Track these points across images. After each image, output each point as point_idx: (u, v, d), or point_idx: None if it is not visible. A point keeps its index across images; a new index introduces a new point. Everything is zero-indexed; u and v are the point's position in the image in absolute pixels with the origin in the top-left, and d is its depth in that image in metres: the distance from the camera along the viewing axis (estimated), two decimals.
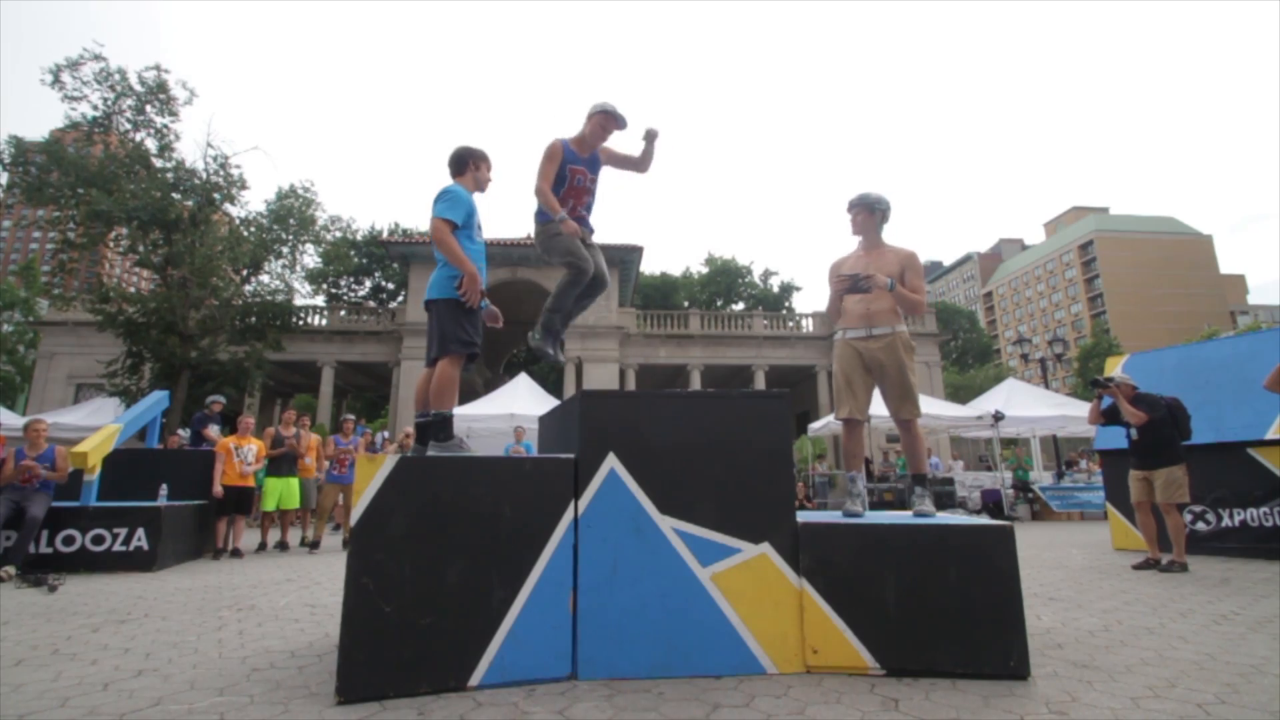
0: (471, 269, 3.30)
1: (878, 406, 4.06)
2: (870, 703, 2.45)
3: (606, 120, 3.85)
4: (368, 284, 36.61)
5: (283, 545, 8.45)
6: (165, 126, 17.77)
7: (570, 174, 3.85)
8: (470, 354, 3.39)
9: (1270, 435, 6.61)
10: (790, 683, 2.69)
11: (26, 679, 2.82)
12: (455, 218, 3.34)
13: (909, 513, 3.65)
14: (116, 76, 16.93)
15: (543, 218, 3.81)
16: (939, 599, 2.84)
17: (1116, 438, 8.00)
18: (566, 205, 3.85)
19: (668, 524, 2.92)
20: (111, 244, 18.25)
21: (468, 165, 3.61)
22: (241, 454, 7.97)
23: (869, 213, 3.88)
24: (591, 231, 4.06)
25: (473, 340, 3.37)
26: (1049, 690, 2.55)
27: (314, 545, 8.51)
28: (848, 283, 3.73)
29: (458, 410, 3.54)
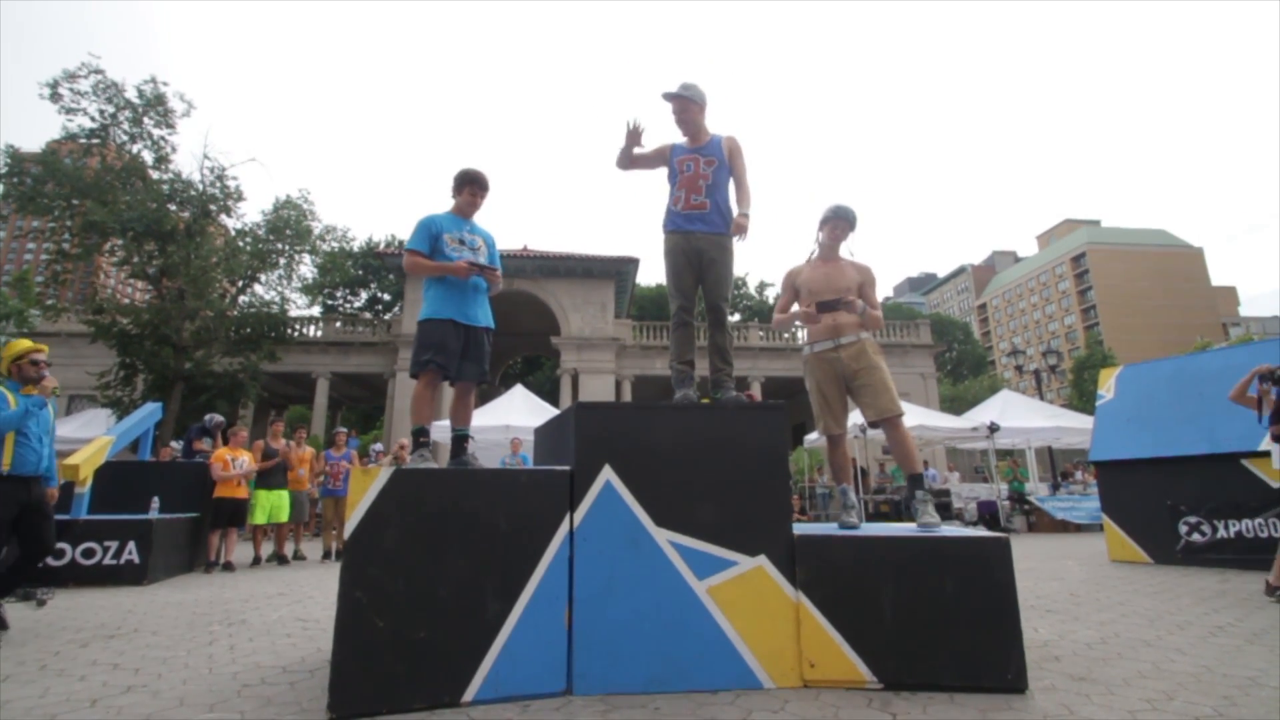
0: (450, 266, 3.48)
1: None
2: (867, 717, 2.43)
3: (670, 102, 3.73)
4: (364, 295, 36.59)
5: (280, 558, 8.38)
6: (162, 139, 17.80)
7: (678, 165, 3.75)
8: (424, 372, 3.47)
9: (1264, 446, 6.62)
10: (787, 697, 2.67)
11: (13, 695, 2.78)
12: (419, 247, 3.53)
13: (909, 524, 3.59)
14: (114, 89, 16.97)
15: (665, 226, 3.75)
16: (936, 612, 2.83)
17: (1112, 448, 8.02)
18: (678, 197, 3.71)
19: (664, 536, 2.90)
20: (106, 255, 18.20)
21: (454, 191, 3.78)
22: (236, 465, 7.93)
23: (849, 226, 3.87)
24: (711, 228, 3.64)
25: (418, 359, 3.46)
26: (1047, 704, 2.54)
27: (326, 555, 8.79)
28: (829, 307, 3.68)
29: (445, 423, 3.58)
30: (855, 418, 9.85)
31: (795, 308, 3.96)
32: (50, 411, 4.44)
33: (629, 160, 3.84)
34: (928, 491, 3.58)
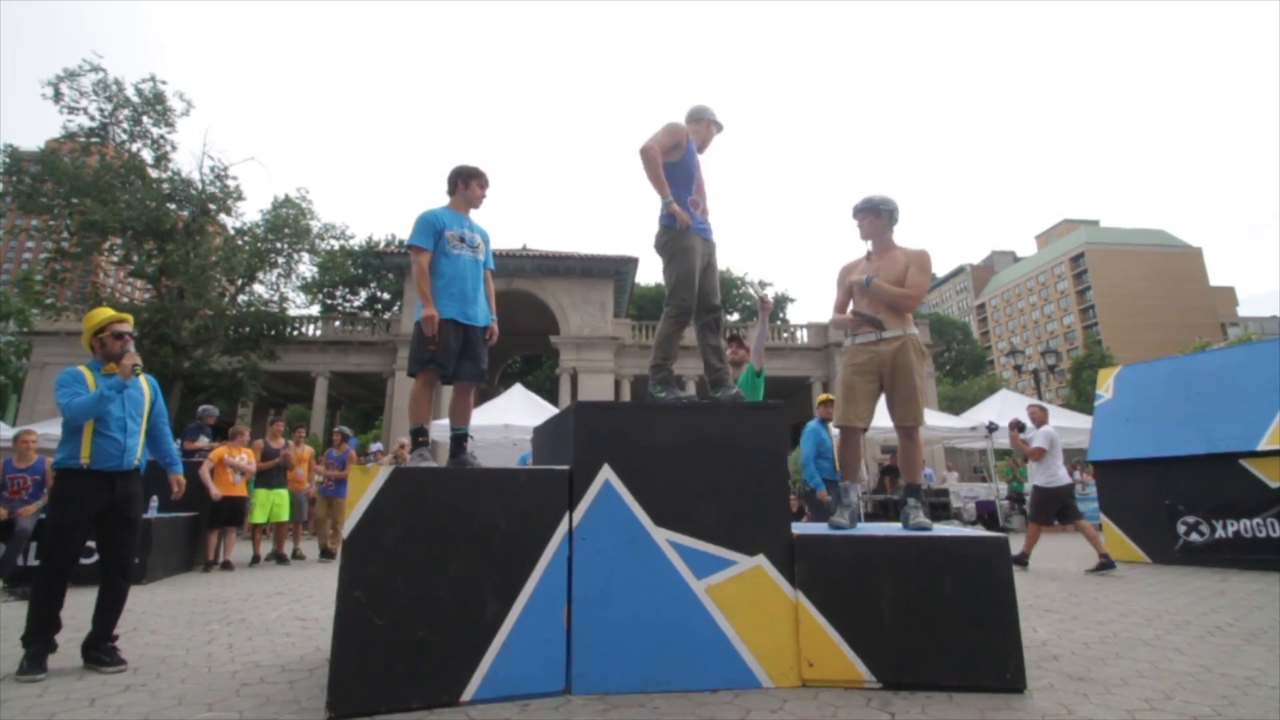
0: (428, 311, 3.37)
1: (881, 416, 3.97)
2: (866, 716, 2.43)
3: (716, 131, 3.86)
4: (363, 294, 36.56)
5: (279, 557, 8.36)
6: (162, 137, 17.78)
7: (694, 168, 3.72)
8: (422, 371, 3.45)
9: (1262, 446, 6.64)
10: (786, 696, 2.68)
11: (11, 695, 2.78)
12: (422, 243, 3.48)
13: (899, 525, 3.58)
14: (114, 88, 16.95)
15: (670, 220, 3.59)
16: (935, 611, 2.83)
17: (1111, 448, 8.04)
18: (695, 201, 3.67)
19: (662, 536, 2.90)
20: (105, 254, 18.19)
21: (457, 185, 3.73)
22: (233, 461, 7.90)
23: (875, 216, 3.79)
24: (711, 236, 3.78)
25: (422, 359, 3.42)
26: (1045, 703, 2.54)
27: (324, 554, 8.67)
28: (866, 320, 3.66)
29: (444, 422, 3.56)
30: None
31: (850, 306, 3.87)
32: (145, 391, 3.70)
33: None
34: (921, 500, 3.56)
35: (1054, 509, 7.01)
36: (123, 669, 3.26)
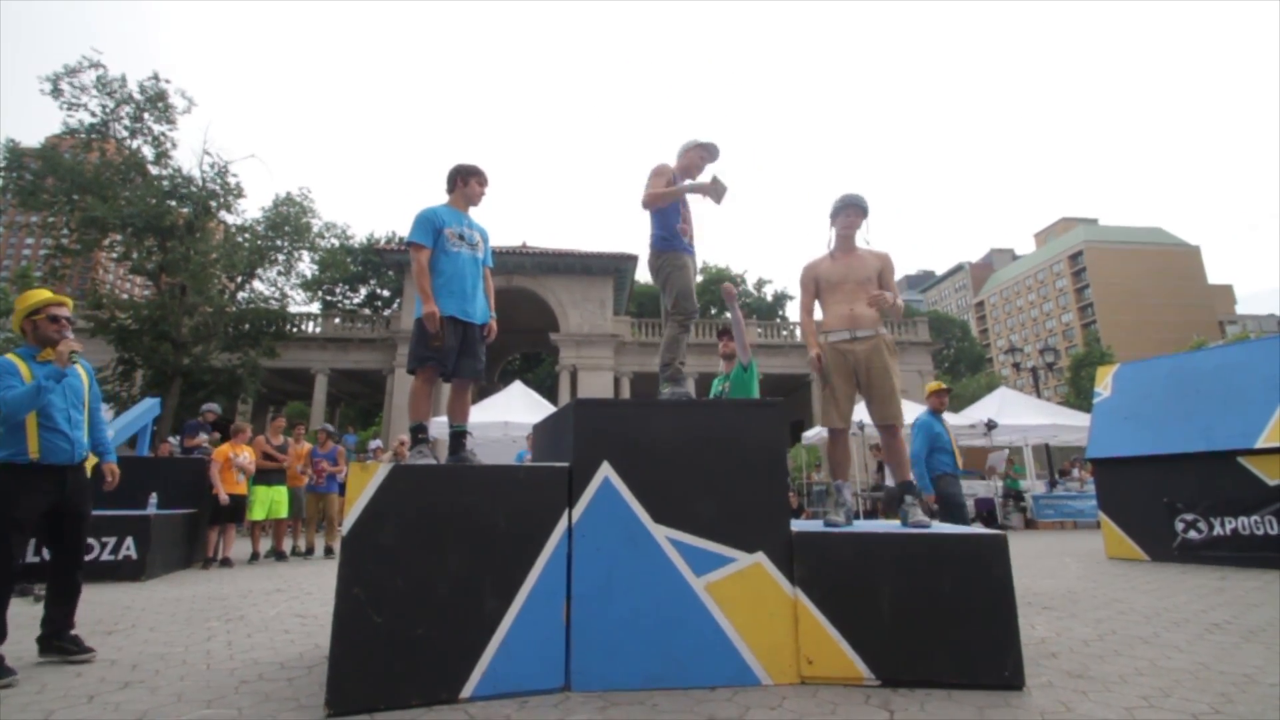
0: (430, 308, 3.36)
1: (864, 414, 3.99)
2: (865, 714, 2.43)
3: (704, 154, 4.00)
4: (363, 291, 36.50)
5: (279, 555, 8.35)
6: (163, 134, 17.75)
7: (682, 201, 3.96)
8: (422, 368, 3.46)
9: (1260, 444, 6.64)
10: (785, 694, 2.68)
11: (9, 692, 2.78)
12: (421, 240, 3.49)
13: (898, 522, 3.59)
14: (115, 84, 16.90)
15: (662, 244, 3.86)
16: (933, 609, 2.84)
17: (1109, 446, 8.04)
18: (684, 229, 3.92)
19: (662, 533, 2.91)
20: (105, 250, 18.17)
21: (456, 183, 3.74)
22: (238, 462, 7.90)
23: (862, 215, 3.83)
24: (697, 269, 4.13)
25: (422, 356, 3.43)
26: (1044, 701, 2.55)
27: (307, 552, 8.67)
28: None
29: (444, 419, 3.61)
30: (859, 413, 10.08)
31: (818, 306, 3.93)
32: (82, 377, 3.52)
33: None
34: (917, 497, 3.56)
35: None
36: (91, 656, 3.26)
